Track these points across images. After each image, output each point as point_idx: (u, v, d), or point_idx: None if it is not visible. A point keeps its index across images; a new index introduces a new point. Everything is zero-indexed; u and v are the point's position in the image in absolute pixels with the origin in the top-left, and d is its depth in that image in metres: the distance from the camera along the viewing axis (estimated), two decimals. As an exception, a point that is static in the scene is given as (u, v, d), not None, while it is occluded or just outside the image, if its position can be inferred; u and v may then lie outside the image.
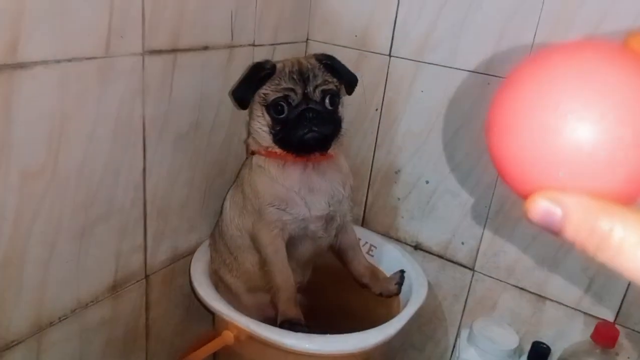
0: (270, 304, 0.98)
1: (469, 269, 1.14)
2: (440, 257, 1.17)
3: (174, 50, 0.87)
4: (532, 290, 1.07)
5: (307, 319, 0.93)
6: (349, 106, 1.19)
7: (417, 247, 1.19)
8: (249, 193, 0.97)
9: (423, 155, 1.13)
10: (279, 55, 1.12)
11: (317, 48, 1.20)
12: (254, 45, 1.05)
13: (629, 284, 0.97)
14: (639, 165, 0.25)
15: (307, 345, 0.86)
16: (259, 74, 0.90)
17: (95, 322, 0.90)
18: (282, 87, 0.88)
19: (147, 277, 0.98)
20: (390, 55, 1.12)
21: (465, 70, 1.03)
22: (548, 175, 0.27)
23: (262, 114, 0.91)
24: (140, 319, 1.00)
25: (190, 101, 0.94)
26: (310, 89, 0.88)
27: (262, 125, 0.92)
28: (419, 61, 1.08)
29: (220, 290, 1.02)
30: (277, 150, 0.92)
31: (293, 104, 0.88)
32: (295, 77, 0.88)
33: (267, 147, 0.94)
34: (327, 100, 0.89)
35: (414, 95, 1.11)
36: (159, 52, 0.85)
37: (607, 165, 0.25)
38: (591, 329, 0.92)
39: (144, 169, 0.90)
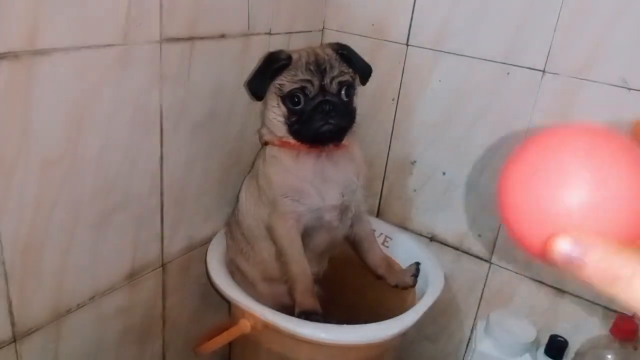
0: (287, 294, 0.98)
1: (486, 260, 1.13)
2: (456, 249, 1.16)
3: (191, 38, 0.87)
4: (550, 284, 1.06)
5: (323, 310, 0.93)
6: (365, 96, 1.18)
7: (433, 238, 1.19)
8: (263, 184, 0.97)
9: (440, 146, 1.12)
10: (295, 44, 1.12)
11: (333, 37, 1.19)
12: (270, 34, 1.04)
13: None
14: (629, 222, 0.32)
15: (322, 335, 0.86)
16: (274, 65, 0.89)
17: (112, 310, 0.91)
18: (298, 78, 0.87)
19: (163, 265, 0.98)
20: (407, 44, 1.11)
21: (484, 59, 1.02)
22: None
23: (278, 104, 0.91)
24: (157, 307, 1.01)
25: (207, 90, 0.94)
26: (327, 80, 0.87)
27: (277, 115, 0.91)
28: (437, 50, 1.07)
29: (236, 278, 1.02)
30: (292, 140, 0.92)
31: (310, 95, 0.87)
32: (312, 68, 0.87)
33: (282, 137, 0.93)
34: (343, 92, 0.89)
35: (431, 85, 1.10)
36: (177, 39, 0.85)
37: (603, 224, 0.31)
38: (610, 323, 0.91)
39: (161, 157, 0.90)
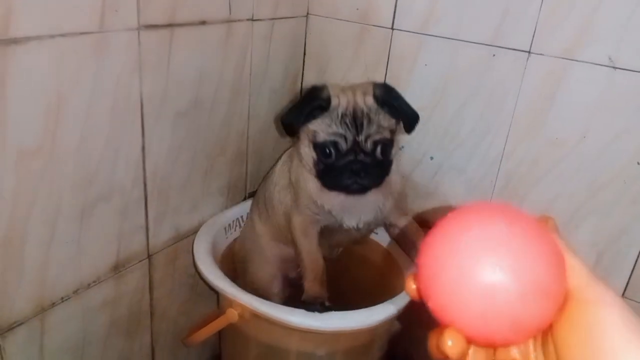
0: (292, 261, 1.00)
1: (475, 245, 1.12)
2: (446, 234, 1.15)
3: (170, 25, 0.85)
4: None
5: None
6: (350, 82, 1.17)
7: (423, 225, 1.18)
8: (294, 181, 0.97)
9: (428, 131, 1.11)
10: (279, 31, 1.10)
11: (317, 23, 1.17)
12: (252, 20, 1.02)
13: (637, 259, 0.96)
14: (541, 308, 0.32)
15: (311, 323, 0.85)
16: (312, 104, 0.84)
17: (98, 303, 0.90)
18: (332, 130, 0.82)
19: (149, 257, 0.97)
20: (392, 29, 1.09)
21: (470, 42, 1.00)
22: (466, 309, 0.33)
23: (309, 146, 0.86)
24: (144, 299, 1.00)
25: (189, 78, 0.93)
26: (362, 137, 0.82)
27: (308, 155, 0.87)
28: (423, 34, 1.06)
29: (247, 241, 1.06)
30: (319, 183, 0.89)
31: (342, 151, 0.83)
32: (348, 121, 0.82)
33: (310, 171, 0.90)
34: (378, 150, 0.84)
35: (418, 69, 1.08)
36: (155, 26, 0.83)
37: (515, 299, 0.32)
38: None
39: (143, 148, 0.88)
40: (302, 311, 0.86)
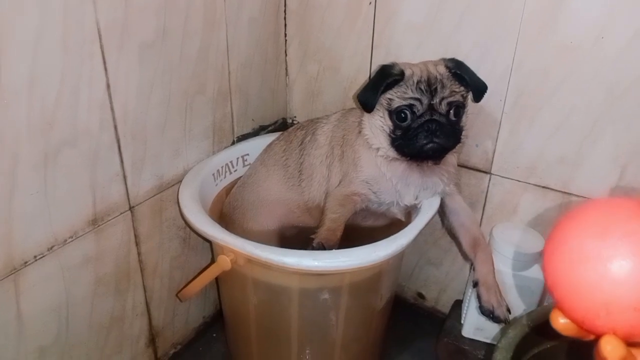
0: (302, 213, 0.99)
1: (485, 172, 1.03)
2: (453, 163, 1.06)
3: (122, -61, 0.74)
4: (556, 188, 0.97)
5: None
6: (338, 3, 1.07)
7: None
8: (349, 158, 0.93)
9: (427, 49, 1.01)
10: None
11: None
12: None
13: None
14: None
15: (312, 263, 0.77)
16: (386, 79, 0.86)
17: (78, 260, 0.82)
18: (408, 96, 0.85)
19: (131, 208, 0.89)
20: (379, -64, 0.97)
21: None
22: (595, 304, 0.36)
23: (384, 116, 0.88)
24: (131, 254, 0.92)
25: (152, 3, 0.82)
26: (436, 100, 0.85)
27: (382, 125, 0.89)
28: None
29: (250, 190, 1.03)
30: (391, 154, 0.89)
31: (417, 113, 0.85)
32: (422, 87, 0.85)
33: (378, 150, 0.90)
34: (452, 112, 0.86)
35: (411, -20, 0.97)
36: (104, -60, 0.72)
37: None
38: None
39: (108, 85, 0.79)
40: (297, 251, 0.78)
